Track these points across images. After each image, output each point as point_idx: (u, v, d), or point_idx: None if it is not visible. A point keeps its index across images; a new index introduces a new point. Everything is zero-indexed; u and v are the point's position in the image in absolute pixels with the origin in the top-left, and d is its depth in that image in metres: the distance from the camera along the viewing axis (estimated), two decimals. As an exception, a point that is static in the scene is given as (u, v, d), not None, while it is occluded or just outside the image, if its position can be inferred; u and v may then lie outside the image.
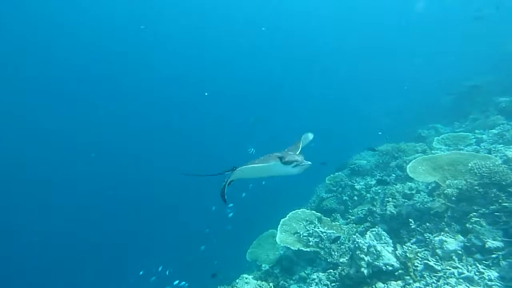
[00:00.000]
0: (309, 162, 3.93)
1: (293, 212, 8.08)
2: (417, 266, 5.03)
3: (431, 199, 6.65)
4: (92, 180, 27.15)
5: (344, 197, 9.27)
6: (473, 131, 9.71)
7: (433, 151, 9.03)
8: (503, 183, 5.37)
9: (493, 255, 4.68)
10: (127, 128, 32.32)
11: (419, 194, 7.29)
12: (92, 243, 21.57)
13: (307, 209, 8.50)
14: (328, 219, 8.00)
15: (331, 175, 10.92)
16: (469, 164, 5.85)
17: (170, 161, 26.59)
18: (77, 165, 28.61)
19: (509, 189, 5.28)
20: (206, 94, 31.79)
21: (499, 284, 4.22)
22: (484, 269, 4.53)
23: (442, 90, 18.37)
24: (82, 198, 25.72)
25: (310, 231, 7.02)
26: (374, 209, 7.29)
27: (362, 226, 7.25)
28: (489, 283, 4.26)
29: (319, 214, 8.01)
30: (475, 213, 5.38)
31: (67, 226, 22.92)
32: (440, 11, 36.51)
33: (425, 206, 6.41)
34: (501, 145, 7.72)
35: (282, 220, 7.82)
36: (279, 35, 42.59)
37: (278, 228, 7.56)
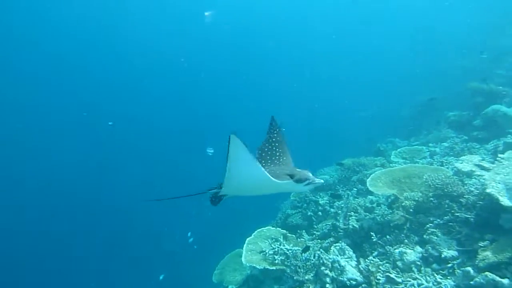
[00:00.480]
0: (322, 180, 3.73)
1: (259, 230, 7.99)
2: (379, 280, 5.11)
3: (390, 211, 6.84)
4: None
5: (309, 213, 9.32)
6: (427, 144, 10.25)
7: (391, 165, 9.39)
8: (454, 194, 5.66)
9: (449, 265, 4.87)
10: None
11: (379, 207, 7.49)
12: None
13: (273, 227, 8.45)
14: (294, 235, 7.99)
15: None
16: (424, 177, 6.13)
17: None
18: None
19: (460, 200, 5.57)
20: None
21: (455, 293, 4.38)
22: (441, 279, 4.69)
23: (401, 103, 19.36)
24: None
25: (276, 249, 6.96)
26: (338, 224, 7.38)
27: (327, 241, 7.30)
28: (446, 292, 4.41)
29: (285, 231, 7.98)
30: (431, 224, 5.61)
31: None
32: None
33: (385, 219, 6.56)
34: (452, 157, 8.20)
35: (248, 239, 7.69)
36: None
37: (244, 247, 7.42)
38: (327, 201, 9.45)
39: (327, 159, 13.15)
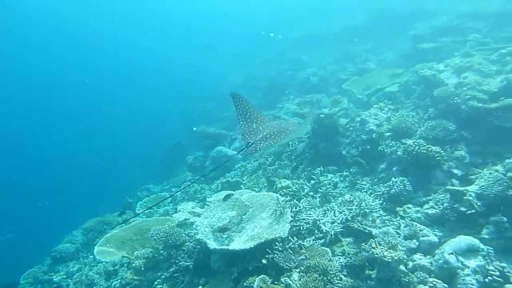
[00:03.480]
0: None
1: None
2: None
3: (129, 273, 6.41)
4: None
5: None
6: (170, 190, 10.70)
7: (136, 218, 9.08)
8: (178, 243, 5.88)
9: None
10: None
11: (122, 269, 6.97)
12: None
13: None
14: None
15: (28, 270, 8.85)
16: (150, 231, 6.10)
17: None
18: None
19: (183, 247, 5.83)
20: None
21: None
22: None
23: (155, 146, 19.88)
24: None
25: None
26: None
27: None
28: None
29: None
30: (159, 280, 5.54)
31: None
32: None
33: (122, 283, 6.08)
34: (185, 202, 8.72)
35: None
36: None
37: None
38: (64, 276, 8.03)
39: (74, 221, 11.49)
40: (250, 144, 4.85)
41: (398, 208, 5.72)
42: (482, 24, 12.32)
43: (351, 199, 6.07)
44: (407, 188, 5.81)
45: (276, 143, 5.11)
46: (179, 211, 6.12)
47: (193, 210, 5.86)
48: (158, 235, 5.88)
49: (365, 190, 6.60)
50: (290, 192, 6.84)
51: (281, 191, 6.89)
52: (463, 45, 10.36)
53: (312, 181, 7.09)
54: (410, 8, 17.81)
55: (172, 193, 10.22)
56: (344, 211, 5.71)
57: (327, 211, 5.90)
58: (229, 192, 6.17)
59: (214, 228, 5.37)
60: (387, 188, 6.02)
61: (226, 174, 9.48)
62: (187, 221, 5.94)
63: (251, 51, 25.49)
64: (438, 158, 5.89)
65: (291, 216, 5.41)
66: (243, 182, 8.48)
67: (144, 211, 8.93)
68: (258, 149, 4.90)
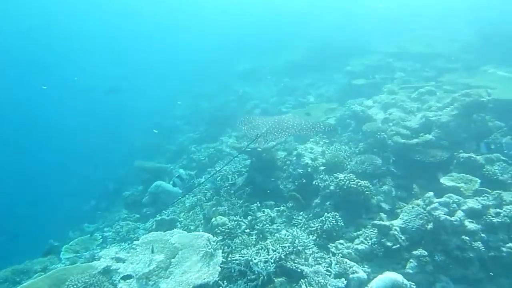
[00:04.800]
0: None
1: None
2: None
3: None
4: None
5: None
6: (102, 230, 9.87)
7: (59, 265, 8.17)
8: (98, 294, 5.30)
9: None
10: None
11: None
12: None
13: None
14: None
15: None
16: (67, 282, 5.44)
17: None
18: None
19: (104, 299, 5.26)
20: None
21: None
22: None
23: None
24: None
25: None
26: None
27: None
28: None
29: None
30: None
31: None
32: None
33: None
34: (117, 244, 8.04)
35: None
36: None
37: None
38: None
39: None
40: (258, 136, 5.48)
41: (331, 244, 5.73)
42: (407, 63, 13.57)
43: (286, 236, 6.01)
44: (339, 223, 5.88)
45: (281, 136, 5.82)
46: (100, 257, 5.54)
47: (116, 255, 5.34)
48: (75, 286, 5.26)
49: (300, 225, 6.57)
50: (226, 230, 6.62)
51: (217, 229, 6.65)
52: (391, 82, 11.24)
53: (249, 217, 6.95)
54: (348, 45, 19.20)
55: (106, 233, 9.45)
56: (278, 249, 5.60)
57: (261, 250, 5.74)
58: (157, 233, 5.79)
59: (139, 275, 4.94)
60: (320, 224, 6.05)
61: (163, 211, 8.99)
62: (110, 268, 5.38)
63: (196, 82, 25.49)
64: (367, 192, 6.08)
65: (223, 257, 5.17)
66: (180, 219, 8.07)
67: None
68: (266, 140, 5.59)
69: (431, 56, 14.00)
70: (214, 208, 7.40)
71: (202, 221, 7.41)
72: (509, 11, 20.90)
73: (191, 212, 8.26)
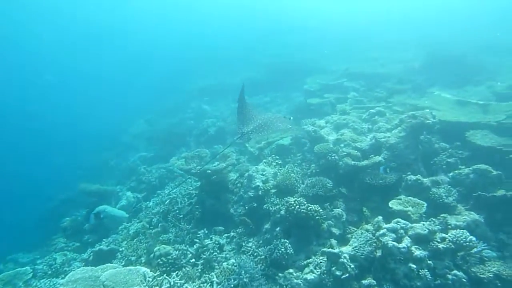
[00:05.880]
0: None
1: None
2: None
3: None
4: None
5: None
6: (35, 262, 8.83)
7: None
8: None
9: None
10: None
11: None
12: None
13: None
14: None
15: None
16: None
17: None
18: None
19: None
20: None
21: None
22: None
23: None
24: None
25: None
26: None
27: None
28: None
29: None
30: None
31: None
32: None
33: None
34: (49, 279, 7.15)
35: None
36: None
37: None
38: None
39: None
40: (243, 134, 5.23)
41: (280, 274, 5.40)
42: (359, 83, 13.91)
43: (233, 266, 5.62)
44: (288, 251, 5.57)
45: (266, 135, 5.95)
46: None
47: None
48: None
49: (249, 253, 6.18)
50: (170, 260, 6.10)
51: (159, 260, 6.11)
52: (345, 102, 11.36)
53: (196, 245, 6.48)
54: (308, 63, 19.53)
55: (38, 266, 8.43)
56: (223, 282, 5.19)
57: (204, 283, 5.29)
58: (86, 269, 5.14)
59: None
60: (269, 252, 5.72)
61: (104, 240, 8.21)
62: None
63: (159, 95, 24.73)
64: (317, 217, 5.85)
65: (161, 296, 4.66)
66: (121, 249, 7.35)
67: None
68: (250, 138, 5.31)
69: (383, 77, 14.51)
70: (157, 237, 6.85)
71: (146, 250, 6.80)
72: (456, 35, 22.56)
73: (135, 240, 7.58)
